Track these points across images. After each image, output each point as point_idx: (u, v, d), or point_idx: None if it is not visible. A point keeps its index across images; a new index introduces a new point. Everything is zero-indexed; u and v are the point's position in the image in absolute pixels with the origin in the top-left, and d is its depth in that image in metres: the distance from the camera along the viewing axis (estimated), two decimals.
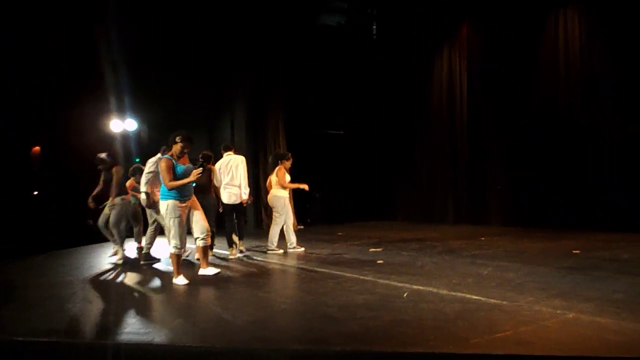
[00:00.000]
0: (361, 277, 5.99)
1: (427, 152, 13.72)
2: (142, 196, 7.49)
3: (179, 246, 5.84)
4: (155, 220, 7.73)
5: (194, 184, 5.97)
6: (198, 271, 6.25)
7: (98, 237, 10.00)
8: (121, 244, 7.75)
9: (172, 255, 5.94)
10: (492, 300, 4.64)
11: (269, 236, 8.36)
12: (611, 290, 4.91)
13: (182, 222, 5.82)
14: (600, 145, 10.27)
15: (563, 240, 8.67)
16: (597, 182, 10.24)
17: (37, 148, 11.01)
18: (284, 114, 13.28)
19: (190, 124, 12.09)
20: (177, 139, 5.87)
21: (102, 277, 6.70)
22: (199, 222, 5.93)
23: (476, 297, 4.77)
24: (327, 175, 13.75)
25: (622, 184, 9.94)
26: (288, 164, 8.50)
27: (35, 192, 10.83)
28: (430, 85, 13.61)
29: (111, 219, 7.68)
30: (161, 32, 11.68)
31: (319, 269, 6.77)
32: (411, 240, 9.54)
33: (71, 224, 9.74)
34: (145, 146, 12.05)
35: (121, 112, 11.37)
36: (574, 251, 7.47)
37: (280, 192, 8.31)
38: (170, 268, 7.17)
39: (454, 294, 4.95)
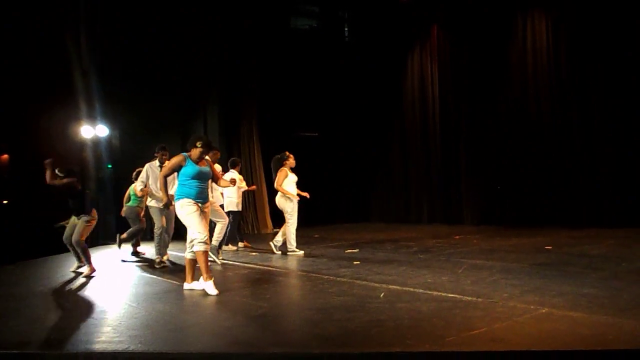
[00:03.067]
0: (338, 278, 6.00)
1: (400, 153, 13.83)
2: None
3: (203, 240, 5.39)
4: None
5: (199, 187, 5.59)
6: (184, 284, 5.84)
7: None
8: (88, 259, 7.20)
9: (198, 254, 5.46)
10: (467, 298, 4.70)
11: (287, 239, 8.31)
12: (582, 285, 5.01)
13: (199, 215, 5.46)
14: (567, 144, 10.49)
15: (535, 237, 8.82)
16: (565, 180, 10.47)
17: (6, 156, 10.78)
18: (257, 117, 13.26)
19: (163, 130, 12.03)
20: (198, 143, 5.60)
21: (75, 287, 6.58)
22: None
23: (451, 295, 4.83)
24: (301, 177, 13.73)
25: (589, 182, 10.16)
26: (289, 162, 8.43)
27: (5, 201, 10.60)
28: (403, 87, 13.73)
29: (75, 235, 7.13)
30: (133, 37, 11.57)
31: (295, 272, 6.76)
32: (386, 240, 9.59)
33: (42, 233, 9.56)
34: (117, 152, 11.90)
35: (92, 117, 11.20)
36: (546, 247, 7.61)
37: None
38: (145, 275, 7.11)
39: (430, 292, 5.00)
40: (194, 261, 5.67)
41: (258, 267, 7.35)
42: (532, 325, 3.85)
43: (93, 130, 11.23)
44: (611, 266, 6.07)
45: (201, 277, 5.58)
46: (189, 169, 5.55)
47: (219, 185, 6.22)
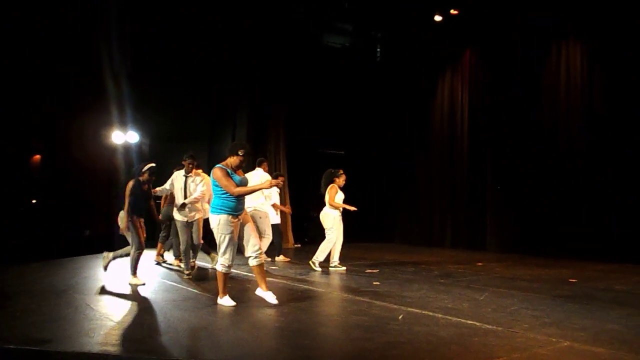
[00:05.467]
0: (357, 297, 5.98)
1: (426, 175, 13.76)
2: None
3: (227, 264, 5.39)
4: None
5: (238, 198, 5.42)
6: (256, 290, 5.73)
7: (95, 248, 9.99)
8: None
9: (218, 274, 5.48)
10: (487, 326, 4.63)
11: (317, 250, 8.34)
12: (606, 321, 4.90)
13: (234, 239, 5.39)
14: (598, 176, 10.29)
15: (559, 269, 8.67)
16: (593, 212, 10.27)
17: (38, 156, 11.04)
18: (285, 132, 13.36)
19: (192, 137, 12.20)
20: (240, 152, 5.41)
21: (96, 289, 6.67)
22: (250, 240, 5.47)
23: (471, 322, 4.76)
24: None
25: (617, 215, 9.96)
26: (340, 180, 8.50)
27: (34, 201, 10.83)
28: (432, 109, 13.70)
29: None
30: (165, 45, 11.79)
31: (314, 288, 6.75)
32: (408, 263, 9.52)
33: (69, 233, 9.74)
34: (146, 158, 12.10)
35: (123, 123, 11.43)
36: (570, 280, 7.47)
37: (329, 210, 8.36)
38: (166, 281, 7.17)
39: (449, 318, 4.94)
40: (259, 267, 5.53)
41: (277, 281, 7.36)
42: (552, 358, 3.78)
43: (124, 136, 11.45)
44: (636, 302, 5.93)
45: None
46: (233, 179, 5.38)
47: None
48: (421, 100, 13.89)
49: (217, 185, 5.37)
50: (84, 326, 4.68)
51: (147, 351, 3.90)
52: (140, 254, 6.92)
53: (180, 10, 11.75)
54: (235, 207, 5.39)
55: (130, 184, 6.90)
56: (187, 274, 7.52)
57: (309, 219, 13.60)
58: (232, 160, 5.45)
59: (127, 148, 11.59)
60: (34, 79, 10.13)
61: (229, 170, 5.40)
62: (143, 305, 5.60)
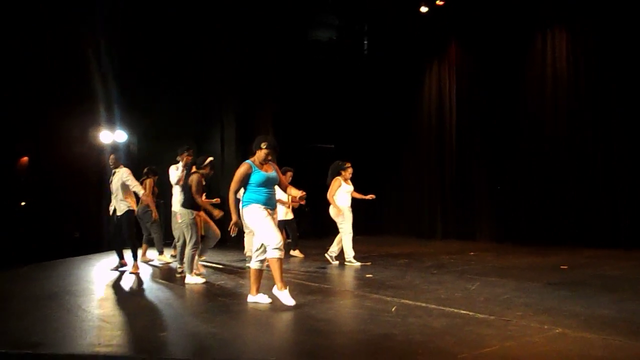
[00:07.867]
0: (350, 290, 5.99)
1: (415, 167, 13.79)
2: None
3: (278, 244, 5.09)
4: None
5: (267, 194, 5.30)
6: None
7: (85, 249, 9.93)
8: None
9: (272, 262, 5.17)
10: (480, 315, 4.66)
11: (344, 249, 8.37)
12: (597, 307, 4.94)
13: (270, 219, 5.16)
14: (586, 163, 10.36)
15: (550, 256, 8.73)
16: (582, 198, 10.34)
17: (25, 158, 10.94)
18: (274, 127, 13.31)
19: (180, 136, 12.12)
20: (263, 145, 5.27)
21: (88, 289, 6.64)
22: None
23: (464, 312, 4.78)
24: (316, 189, 13.76)
25: (607, 201, 10.03)
26: (346, 174, 8.48)
27: (23, 203, 10.74)
28: (420, 101, 13.71)
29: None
30: (152, 44, 11.71)
31: (307, 283, 6.75)
32: (399, 255, 9.55)
33: (58, 235, 9.66)
34: (134, 158, 12.02)
35: (111, 123, 11.34)
36: (561, 267, 7.52)
37: (337, 203, 8.34)
38: (158, 280, 7.14)
39: (442, 308, 4.96)
40: (260, 272, 5.42)
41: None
42: (545, 345, 3.81)
43: (112, 136, 11.36)
44: (627, 288, 5.98)
45: (274, 287, 5.35)
46: (256, 176, 5.25)
47: (288, 194, 5.82)
48: (409, 92, 13.91)
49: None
50: (77, 328, 4.65)
51: (141, 351, 3.89)
52: (197, 250, 6.90)
53: (167, 9, 11.68)
54: (264, 201, 5.27)
55: (196, 178, 6.82)
56: (180, 272, 7.49)
57: (300, 214, 13.56)
58: (258, 155, 5.34)
59: (115, 148, 11.51)
60: (21, 79, 10.03)
61: (254, 167, 5.28)
62: (135, 306, 5.57)
